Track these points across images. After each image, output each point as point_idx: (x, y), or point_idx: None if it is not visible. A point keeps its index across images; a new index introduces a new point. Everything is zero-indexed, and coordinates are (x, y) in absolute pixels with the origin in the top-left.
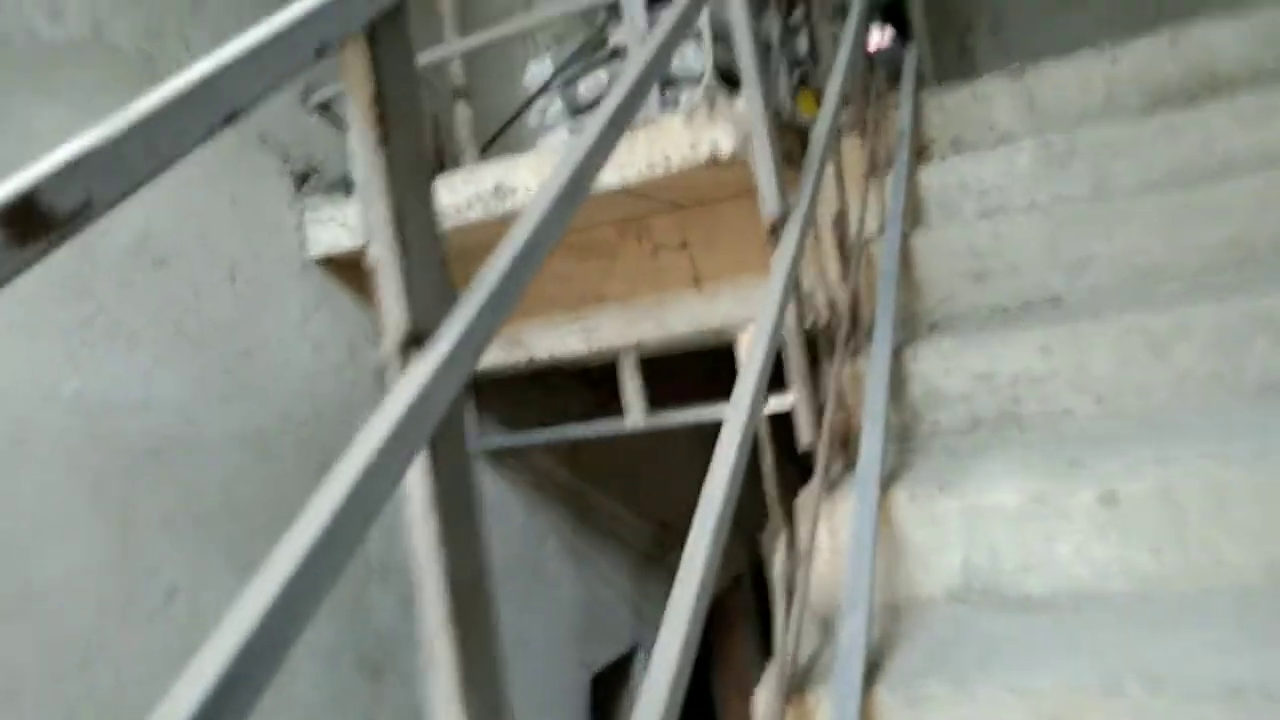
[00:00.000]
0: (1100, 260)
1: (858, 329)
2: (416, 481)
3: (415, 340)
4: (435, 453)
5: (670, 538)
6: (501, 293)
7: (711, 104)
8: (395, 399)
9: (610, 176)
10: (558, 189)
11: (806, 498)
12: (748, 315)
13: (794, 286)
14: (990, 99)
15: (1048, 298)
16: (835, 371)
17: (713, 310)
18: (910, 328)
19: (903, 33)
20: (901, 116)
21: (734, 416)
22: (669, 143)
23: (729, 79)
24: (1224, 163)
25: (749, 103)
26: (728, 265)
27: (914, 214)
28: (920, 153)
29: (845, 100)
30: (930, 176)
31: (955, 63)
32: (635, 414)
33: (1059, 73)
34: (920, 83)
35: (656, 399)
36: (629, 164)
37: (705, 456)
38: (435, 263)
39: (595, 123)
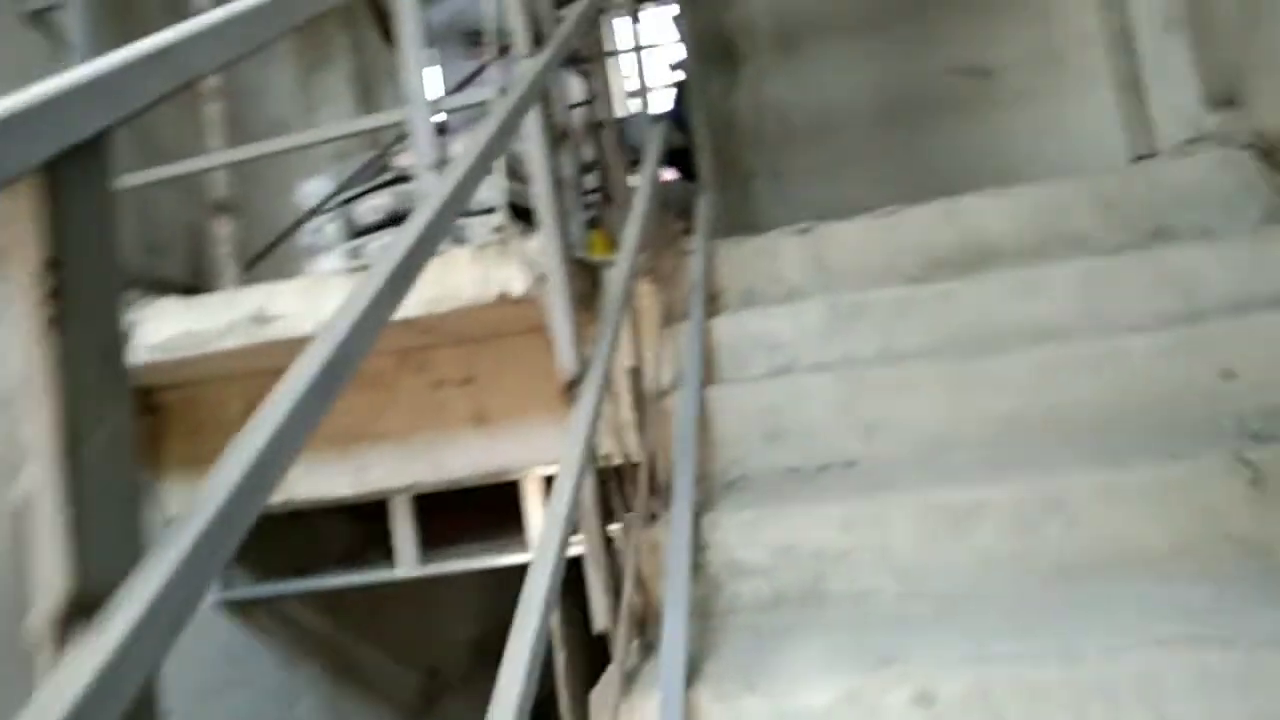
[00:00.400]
0: (892, 425)
1: (655, 491)
2: None
3: (82, 609)
4: None
5: (438, 687)
6: (227, 519)
7: (505, 240)
8: (45, 702)
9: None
10: (317, 368)
11: (603, 691)
12: (533, 457)
13: (592, 453)
14: (780, 254)
15: (844, 461)
16: (633, 542)
17: (495, 451)
18: (706, 487)
19: (688, 175)
20: (694, 266)
21: (525, 623)
22: (457, 277)
23: (520, 213)
24: (999, 333)
25: (546, 244)
26: (514, 403)
27: (708, 367)
28: (712, 301)
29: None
30: (723, 329)
31: (740, 208)
32: (407, 561)
33: (844, 233)
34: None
35: (432, 534)
36: (411, 296)
37: (481, 598)
38: (122, 494)
39: (371, 282)
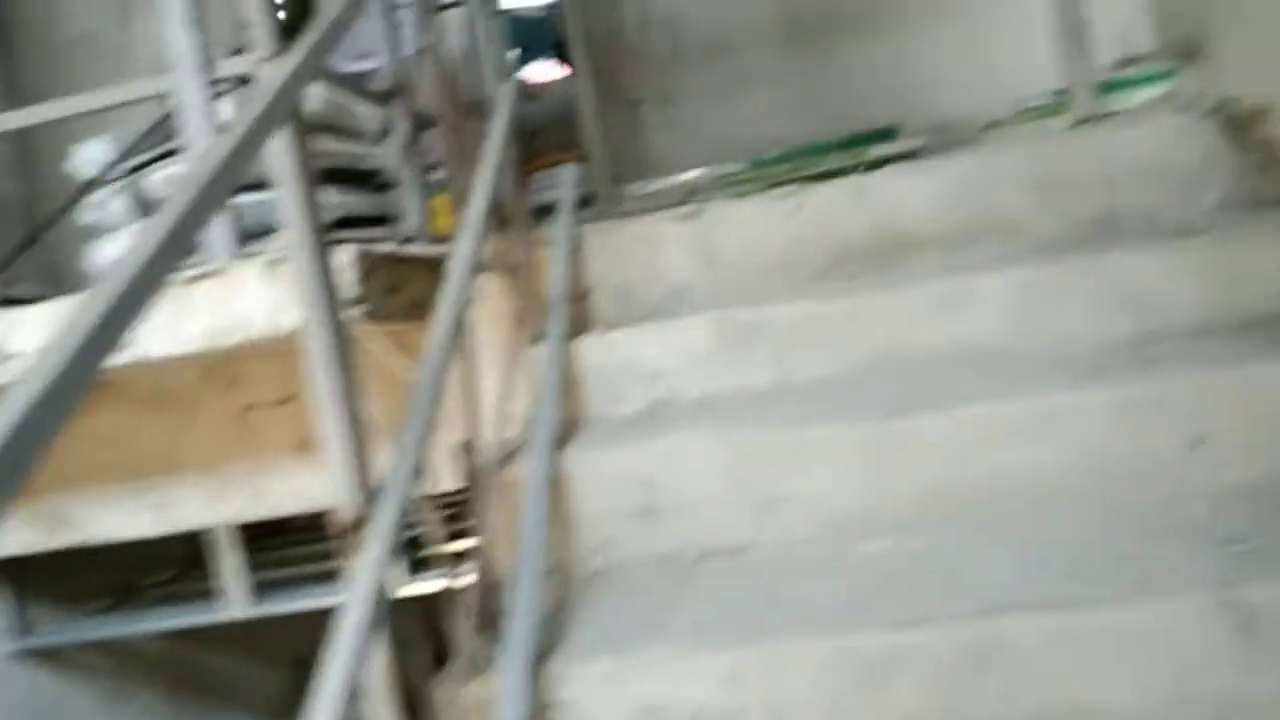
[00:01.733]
0: (791, 499)
1: (488, 620)
2: None
3: None
4: None
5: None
6: None
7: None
8: None
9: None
10: None
11: None
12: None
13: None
14: (661, 242)
15: (731, 546)
16: (459, 702)
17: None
18: (561, 584)
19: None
20: (555, 267)
21: None
22: (243, 303)
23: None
24: (918, 361)
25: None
26: None
27: (571, 399)
28: (579, 301)
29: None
30: (591, 353)
31: (626, 139)
32: (236, 600)
33: (737, 217)
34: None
35: (265, 560)
36: (188, 324)
37: None
38: None
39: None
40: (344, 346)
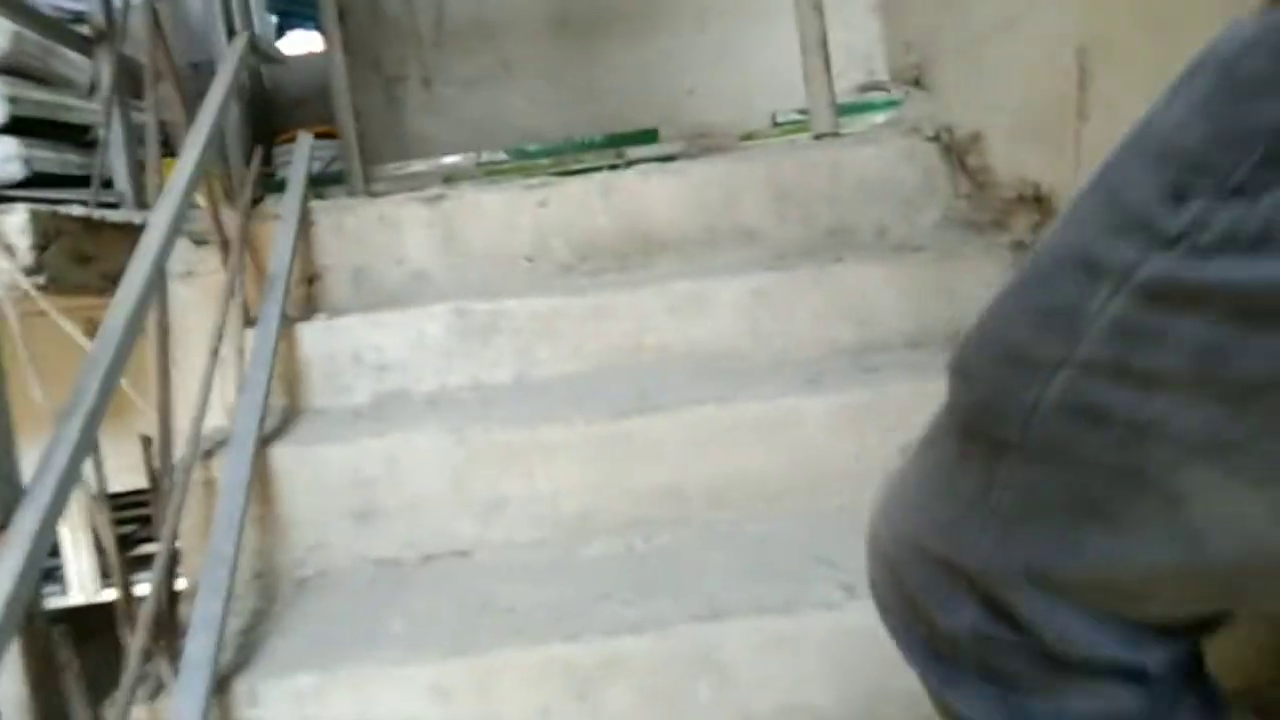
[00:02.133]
0: (520, 500)
1: (172, 625)
2: None
3: None
4: None
5: None
6: None
7: None
8: None
9: None
10: None
11: None
12: None
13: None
14: (402, 225)
15: (455, 550)
16: None
17: None
18: (268, 586)
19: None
20: (278, 241)
21: None
22: None
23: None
24: (655, 362)
25: None
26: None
27: (288, 394)
28: (309, 284)
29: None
30: (315, 340)
31: (383, 119)
32: None
33: (484, 205)
34: (313, 182)
35: None
36: None
37: None
38: None
39: None
40: None
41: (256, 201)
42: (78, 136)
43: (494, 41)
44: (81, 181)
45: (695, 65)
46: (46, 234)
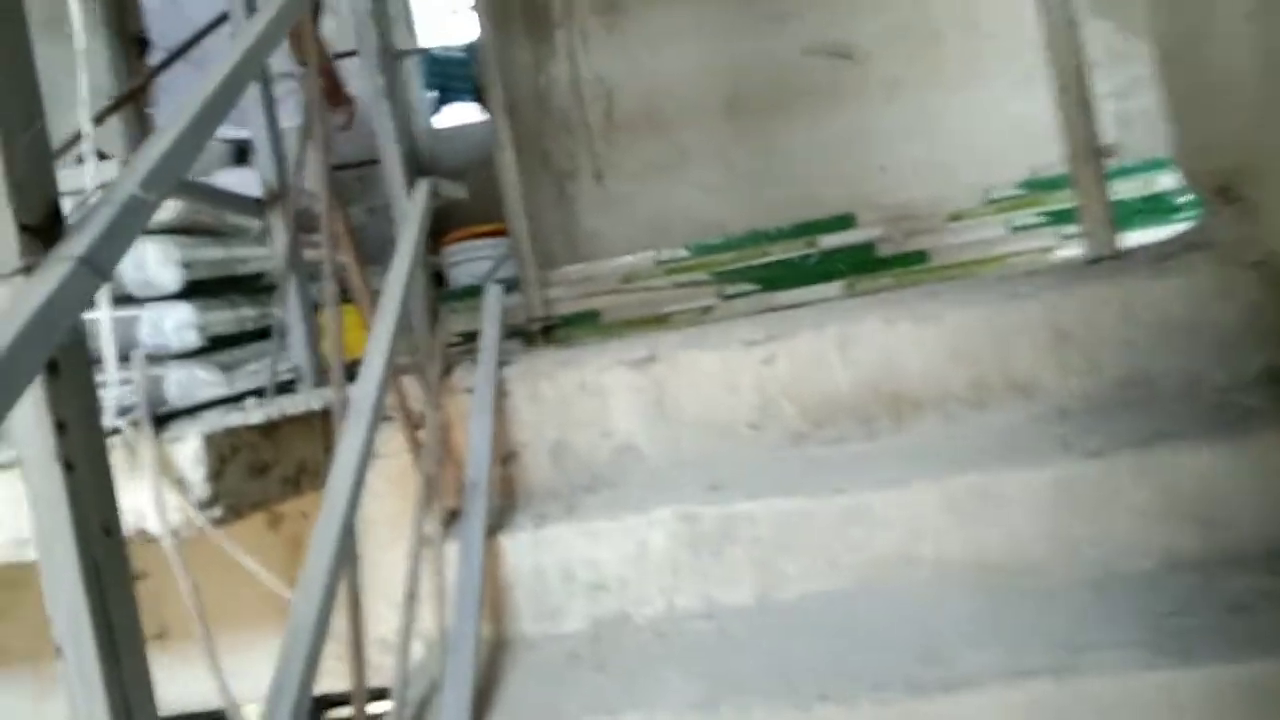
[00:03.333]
0: None
1: None
2: None
3: None
4: None
5: None
6: None
7: (137, 425)
8: None
9: None
10: None
11: None
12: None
13: None
14: (606, 392)
15: None
16: None
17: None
18: None
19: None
20: (475, 429)
21: None
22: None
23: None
24: (932, 576)
25: None
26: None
27: (492, 618)
28: (506, 463)
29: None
30: (519, 555)
31: (554, 216)
32: None
33: (698, 366)
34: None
35: None
36: None
37: None
38: None
39: None
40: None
41: (445, 371)
42: (252, 285)
43: (666, 129)
44: (257, 335)
45: (886, 140)
46: (222, 456)
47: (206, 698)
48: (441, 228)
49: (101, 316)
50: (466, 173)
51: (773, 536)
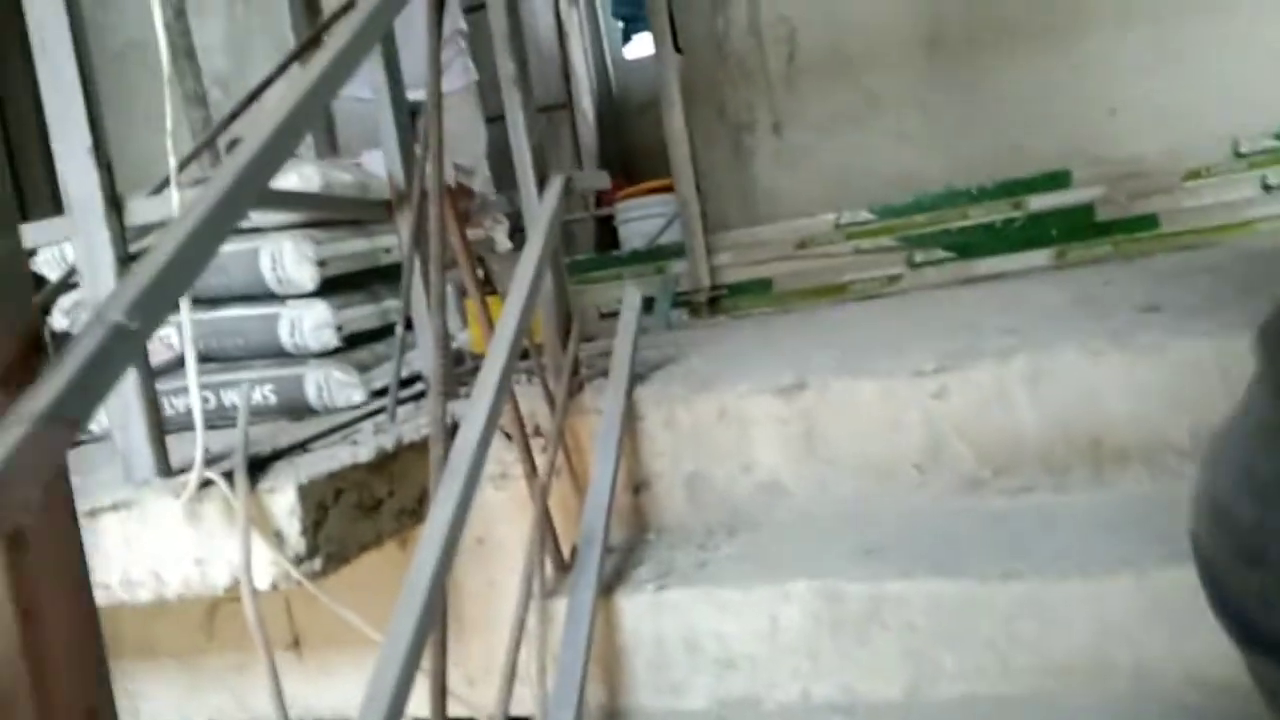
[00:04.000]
0: None
1: None
2: None
3: None
4: None
5: None
6: None
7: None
8: None
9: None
10: None
11: None
12: None
13: None
14: (748, 422)
15: None
16: None
17: (319, 689)
18: None
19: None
20: (596, 489)
21: None
22: (154, 546)
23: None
24: (1130, 690)
25: None
26: (339, 628)
27: (606, 683)
28: (636, 491)
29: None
30: (638, 618)
31: (727, 173)
32: None
33: (856, 397)
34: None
35: None
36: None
37: None
38: None
39: None
40: None
41: (575, 390)
42: (392, 274)
43: (854, 73)
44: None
45: (1118, 78)
46: (323, 503)
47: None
48: (625, 154)
49: (187, 362)
50: (653, 107)
51: (930, 625)
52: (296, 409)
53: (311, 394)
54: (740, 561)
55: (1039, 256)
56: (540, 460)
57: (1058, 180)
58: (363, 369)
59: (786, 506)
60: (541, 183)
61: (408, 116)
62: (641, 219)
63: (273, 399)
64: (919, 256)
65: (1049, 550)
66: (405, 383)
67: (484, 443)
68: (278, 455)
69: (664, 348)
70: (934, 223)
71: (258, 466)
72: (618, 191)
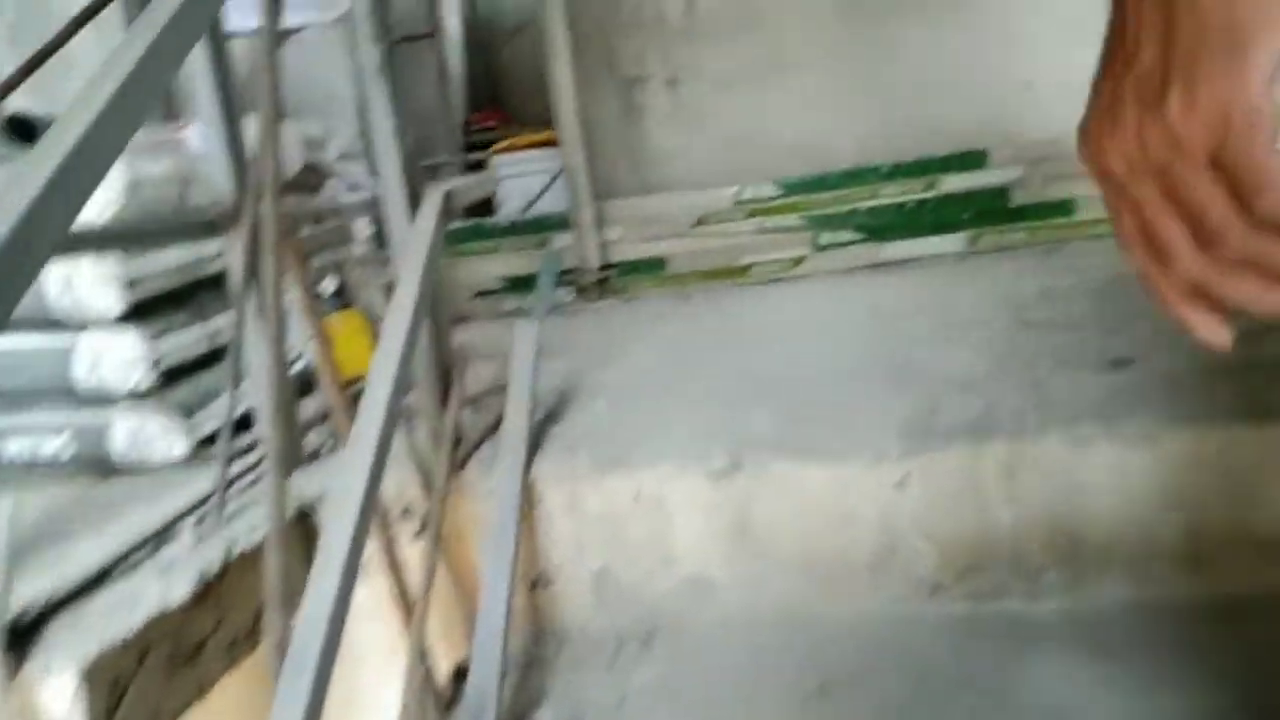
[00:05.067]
0: None
1: None
2: None
3: None
4: None
5: None
6: None
7: None
8: None
9: None
10: None
11: None
12: None
13: None
14: (670, 508)
15: None
16: None
17: None
18: None
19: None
20: (489, 565)
21: None
22: None
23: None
24: None
25: None
26: None
27: None
28: (533, 587)
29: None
30: None
31: (618, 132)
32: None
33: (800, 484)
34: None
35: None
36: None
37: None
38: None
39: None
40: None
41: (459, 464)
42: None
43: (760, 26)
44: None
45: (1038, 47)
46: (119, 681)
47: None
48: (489, 113)
49: None
50: (524, 32)
51: None
52: (102, 465)
53: (120, 446)
54: (660, 698)
55: (950, 242)
56: (414, 553)
57: (974, 160)
58: (186, 412)
59: (716, 607)
60: (415, 198)
61: (237, 111)
62: (522, 175)
63: (70, 452)
64: (825, 238)
65: (1019, 672)
66: (242, 422)
67: (350, 569)
68: (55, 608)
69: (552, 355)
70: (842, 201)
71: (23, 634)
72: (487, 122)
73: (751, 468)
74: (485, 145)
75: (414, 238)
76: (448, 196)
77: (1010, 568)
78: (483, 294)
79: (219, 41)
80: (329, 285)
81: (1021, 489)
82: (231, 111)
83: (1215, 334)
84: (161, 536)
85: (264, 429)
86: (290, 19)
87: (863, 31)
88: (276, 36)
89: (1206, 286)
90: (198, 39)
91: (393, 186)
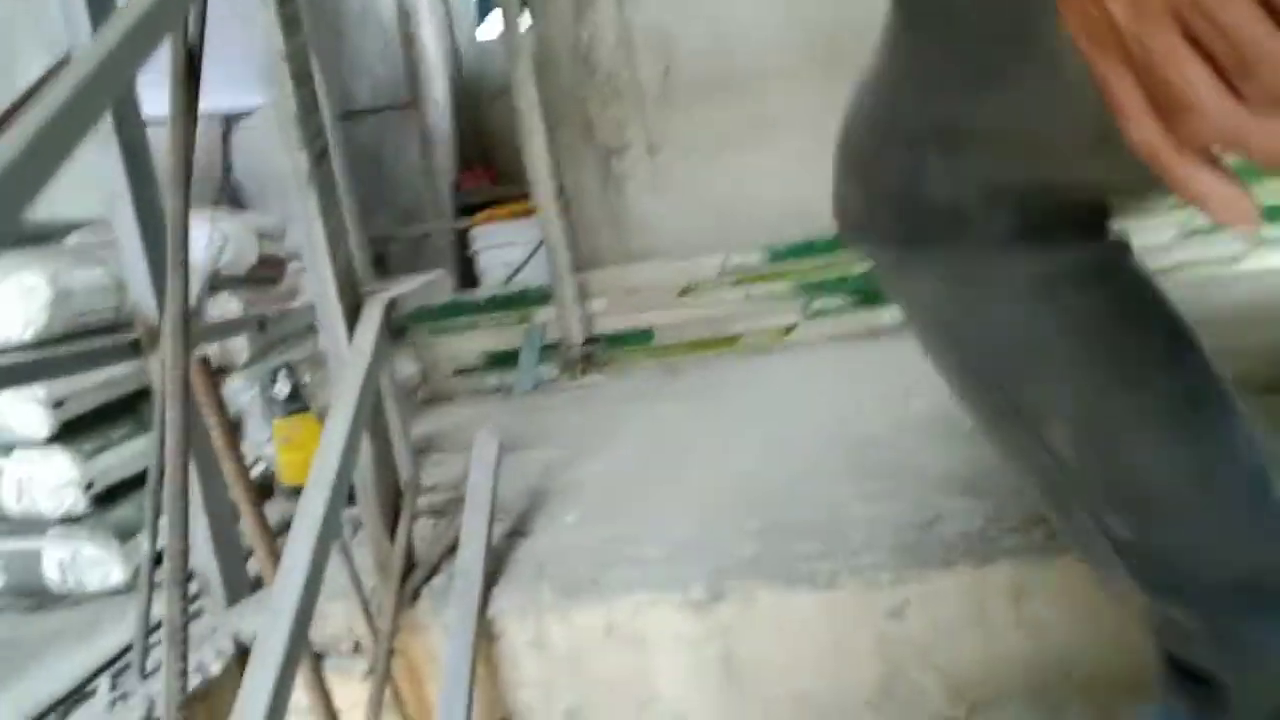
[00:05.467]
0: None
1: None
2: None
3: None
4: None
5: None
6: None
7: None
8: None
9: None
10: None
11: None
12: None
13: None
14: (648, 643)
15: None
16: None
17: None
18: None
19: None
20: (445, 706)
21: None
22: None
23: None
24: None
25: None
26: None
27: None
28: None
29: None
30: None
31: (596, 202)
32: None
33: (789, 614)
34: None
35: None
36: None
37: None
38: None
39: None
40: None
41: (409, 598)
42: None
43: (740, 88)
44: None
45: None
46: None
47: None
48: (480, 172)
49: None
50: (509, 91)
51: None
52: (33, 593)
53: (53, 575)
54: None
55: None
56: (365, 694)
57: None
58: (124, 535)
59: None
60: (355, 310)
61: (160, 221)
62: (502, 246)
63: (0, 581)
64: (816, 305)
65: None
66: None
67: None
68: None
69: (528, 445)
70: (831, 266)
71: None
72: (475, 182)
73: (735, 596)
74: (477, 207)
75: (352, 357)
76: (390, 306)
77: (1026, 701)
78: (463, 371)
79: (133, 128)
80: (283, 388)
81: (1031, 613)
82: (150, 211)
83: (1239, 208)
84: (77, 696)
85: (204, 559)
86: (242, 100)
87: (846, 89)
88: (193, 119)
89: (1236, 134)
90: (93, 123)
91: (327, 301)
